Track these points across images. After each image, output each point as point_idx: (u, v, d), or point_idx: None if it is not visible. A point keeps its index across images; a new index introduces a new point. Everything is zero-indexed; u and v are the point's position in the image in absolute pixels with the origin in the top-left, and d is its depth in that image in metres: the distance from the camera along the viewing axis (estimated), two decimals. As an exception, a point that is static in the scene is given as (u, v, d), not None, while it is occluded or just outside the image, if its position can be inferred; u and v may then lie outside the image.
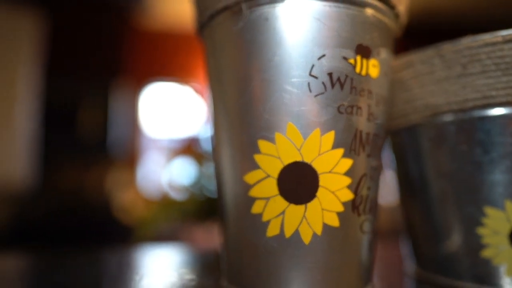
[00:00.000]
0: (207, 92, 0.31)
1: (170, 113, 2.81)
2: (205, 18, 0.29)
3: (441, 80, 0.29)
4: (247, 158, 0.26)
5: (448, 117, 0.29)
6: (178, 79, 2.83)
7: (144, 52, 2.75)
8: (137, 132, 2.73)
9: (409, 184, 0.33)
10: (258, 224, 0.25)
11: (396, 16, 0.28)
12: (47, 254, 0.46)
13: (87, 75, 2.46)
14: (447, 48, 0.29)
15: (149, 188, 2.47)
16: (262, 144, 0.25)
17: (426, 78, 0.30)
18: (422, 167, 0.31)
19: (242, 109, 0.26)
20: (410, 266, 0.36)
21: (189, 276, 0.34)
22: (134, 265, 0.42)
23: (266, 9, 0.25)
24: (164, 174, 2.42)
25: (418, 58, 0.30)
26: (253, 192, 0.26)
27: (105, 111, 2.47)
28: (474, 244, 0.28)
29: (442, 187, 0.30)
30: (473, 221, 0.28)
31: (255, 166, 0.25)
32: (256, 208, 0.25)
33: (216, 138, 0.29)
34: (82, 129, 2.36)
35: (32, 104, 1.77)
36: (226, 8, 0.27)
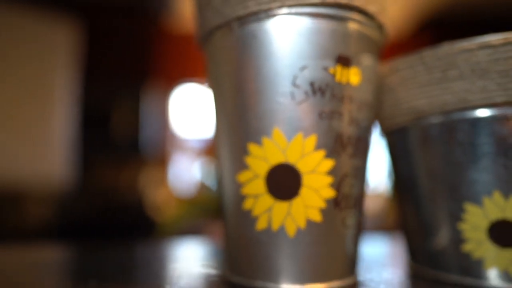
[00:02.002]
0: (209, 98, 0.34)
1: (199, 114, 2.89)
2: (204, 33, 0.32)
3: (424, 84, 0.31)
4: (239, 160, 0.29)
5: (431, 120, 0.31)
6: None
7: (174, 54, 2.83)
8: (168, 132, 2.82)
9: (401, 183, 0.35)
10: (249, 219, 0.28)
11: (379, 26, 0.31)
12: (86, 246, 0.51)
13: (120, 78, 2.57)
14: (428, 54, 0.30)
15: (180, 186, 2.55)
16: (251, 147, 0.28)
17: (410, 83, 0.32)
18: (412, 167, 0.33)
19: (236, 115, 0.29)
20: (405, 260, 0.37)
21: (209, 266, 0.37)
22: (162, 256, 0.46)
23: (254, 26, 0.28)
24: (192, 173, 2.49)
25: (403, 64, 0.32)
26: (244, 190, 0.29)
27: (137, 112, 2.57)
28: (456, 239, 0.30)
29: (429, 186, 0.32)
30: (454, 217, 0.30)
31: (245, 167, 0.28)
32: (247, 204, 0.28)
33: (216, 140, 0.32)
34: (117, 130, 2.47)
35: (70, 108, 1.88)
36: (220, 26, 0.30)
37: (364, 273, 0.34)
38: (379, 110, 0.35)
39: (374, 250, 0.54)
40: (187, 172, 2.63)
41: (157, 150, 2.72)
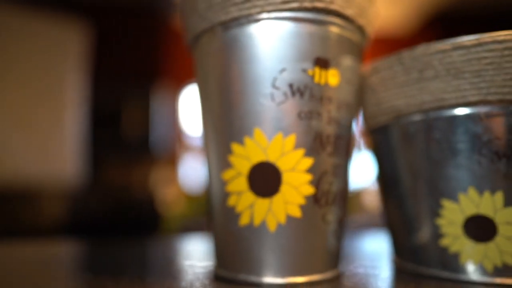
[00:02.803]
0: (198, 99, 0.35)
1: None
2: (191, 37, 0.33)
3: (402, 84, 0.32)
4: (223, 158, 0.30)
5: (410, 118, 0.32)
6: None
7: (182, 54, 2.86)
8: (177, 131, 2.86)
9: (385, 179, 0.36)
10: (233, 215, 0.30)
11: (359, 28, 0.32)
12: (93, 242, 0.54)
13: (130, 78, 2.61)
14: (406, 55, 0.31)
15: (189, 184, 2.58)
16: (234, 147, 0.30)
17: (390, 83, 0.33)
18: (394, 164, 0.34)
19: (221, 115, 0.31)
20: (390, 256, 0.38)
21: (203, 260, 0.39)
22: (160, 251, 0.48)
23: (236, 31, 0.30)
24: (201, 171, 2.52)
25: (383, 64, 0.33)
26: (228, 188, 0.30)
27: (147, 112, 2.60)
28: (435, 234, 0.31)
29: (410, 182, 0.33)
30: (433, 212, 0.31)
31: (229, 165, 0.30)
32: (231, 201, 0.30)
33: (204, 139, 0.34)
34: (127, 129, 2.51)
35: (80, 108, 1.92)
36: (205, 31, 0.31)
37: (349, 267, 0.35)
38: (363, 109, 0.36)
39: (364, 246, 0.55)
40: (196, 170, 2.66)
41: (167, 149, 2.75)
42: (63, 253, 0.49)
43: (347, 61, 0.31)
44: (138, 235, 1.93)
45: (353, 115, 0.33)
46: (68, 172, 1.84)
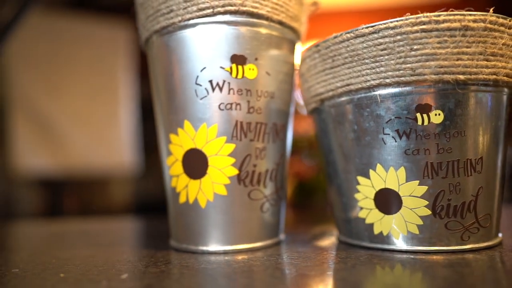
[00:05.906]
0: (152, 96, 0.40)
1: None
2: (142, 44, 0.39)
3: (321, 71, 0.34)
4: (166, 147, 0.36)
5: (331, 103, 0.34)
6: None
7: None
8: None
9: (324, 158, 0.39)
10: (175, 194, 0.35)
11: (280, 23, 0.35)
12: (152, 218, 0.67)
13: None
14: (322, 45, 0.34)
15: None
16: (172, 137, 0.35)
17: (312, 71, 0.35)
18: (328, 144, 0.37)
19: (163, 110, 0.36)
20: (335, 231, 0.41)
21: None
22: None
23: (167, 37, 0.34)
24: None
25: (306, 54, 0.36)
26: (171, 172, 0.35)
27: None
28: (356, 208, 0.34)
29: (339, 160, 0.35)
30: (353, 188, 0.34)
31: (169, 153, 0.35)
32: (173, 183, 0.35)
33: (156, 131, 0.39)
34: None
35: (132, 103, 2.08)
36: (148, 38, 0.36)
37: (290, 241, 0.39)
38: (303, 94, 0.39)
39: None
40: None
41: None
42: (128, 227, 0.63)
43: (268, 54, 0.34)
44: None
45: (281, 102, 0.36)
46: (126, 160, 2.03)
